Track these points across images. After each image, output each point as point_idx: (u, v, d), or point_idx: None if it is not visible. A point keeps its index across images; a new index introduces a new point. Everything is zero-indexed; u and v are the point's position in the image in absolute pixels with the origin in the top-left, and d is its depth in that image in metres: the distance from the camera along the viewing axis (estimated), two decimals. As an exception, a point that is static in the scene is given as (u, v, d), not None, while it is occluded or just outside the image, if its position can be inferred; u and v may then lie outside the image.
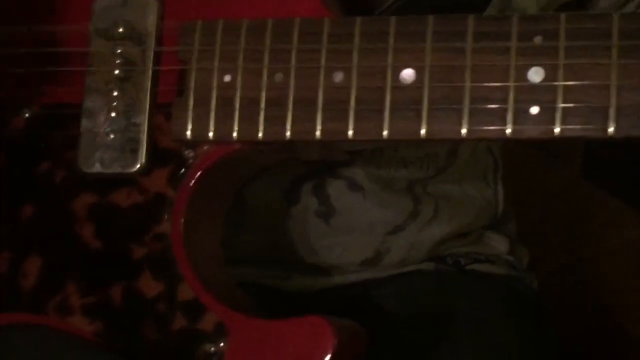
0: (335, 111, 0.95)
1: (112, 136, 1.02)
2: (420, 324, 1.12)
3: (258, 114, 0.97)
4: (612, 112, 0.88)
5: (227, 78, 0.98)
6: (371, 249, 1.15)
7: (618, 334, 1.37)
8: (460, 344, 1.11)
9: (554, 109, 0.89)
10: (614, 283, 1.40)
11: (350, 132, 0.94)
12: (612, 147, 1.59)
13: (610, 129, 0.88)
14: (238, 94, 0.97)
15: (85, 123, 1.02)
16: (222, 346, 0.97)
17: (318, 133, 0.95)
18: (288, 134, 0.96)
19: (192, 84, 0.99)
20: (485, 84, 0.91)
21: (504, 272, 1.21)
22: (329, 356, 0.94)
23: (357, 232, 1.14)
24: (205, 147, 0.99)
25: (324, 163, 1.12)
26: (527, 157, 1.56)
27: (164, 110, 1.00)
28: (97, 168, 1.02)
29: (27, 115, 1.05)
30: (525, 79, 0.90)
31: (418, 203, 1.15)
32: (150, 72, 1.01)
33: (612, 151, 1.60)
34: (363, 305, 1.15)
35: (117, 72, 1.01)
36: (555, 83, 0.89)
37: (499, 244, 1.22)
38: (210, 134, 0.98)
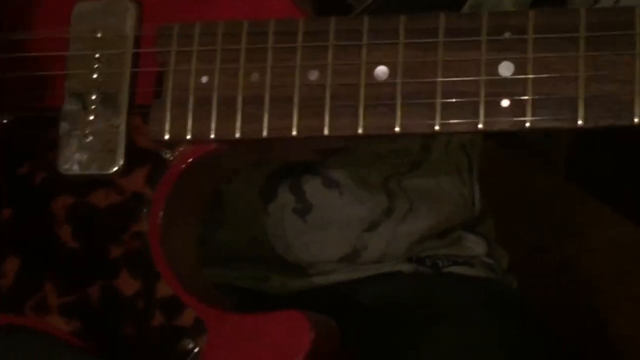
0: (311, 108, 0.96)
1: (90, 138, 1.02)
2: (400, 326, 1.13)
3: (235, 113, 0.98)
4: (580, 103, 0.90)
5: (205, 79, 0.99)
6: (348, 245, 1.16)
7: (606, 332, 1.38)
8: (442, 347, 1.12)
9: (524, 102, 0.91)
10: (598, 281, 1.42)
11: (326, 129, 0.96)
12: (593, 148, 1.63)
13: (580, 120, 0.91)
14: (215, 94, 0.99)
15: (64, 126, 1.03)
16: (201, 342, 0.98)
17: (294, 130, 0.97)
18: (265, 132, 0.97)
19: (170, 85, 1.00)
20: (457, 79, 0.93)
21: (482, 274, 1.21)
22: (306, 350, 0.95)
23: (334, 228, 1.15)
24: (183, 148, 1.01)
25: (299, 164, 1.13)
26: (510, 159, 1.58)
27: (142, 112, 1.01)
28: (75, 170, 1.03)
29: (4, 120, 1.06)
30: (496, 73, 0.92)
31: (393, 199, 1.16)
32: (128, 74, 1.02)
33: (594, 152, 1.62)
34: (342, 307, 1.15)
35: (95, 75, 1.03)
36: (525, 76, 0.92)
37: (477, 245, 1.23)
38: (188, 134, 0.99)
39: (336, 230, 1.16)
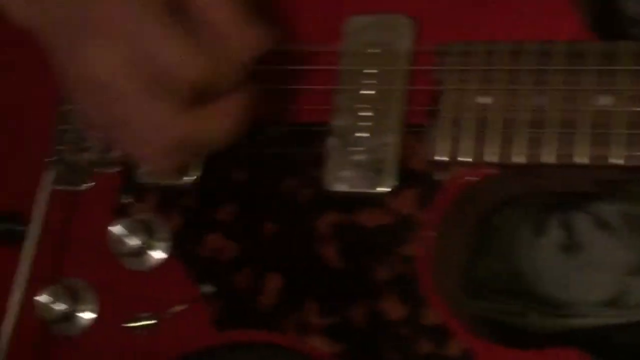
0: (600, 136, 0.90)
1: (360, 155, 0.99)
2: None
3: (517, 137, 0.92)
4: None
5: (486, 100, 0.94)
6: (613, 288, 1.09)
7: None
8: None
9: None
10: None
11: (615, 158, 0.89)
12: None
13: None
14: (495, 117, 0.93)
15: (332, 142, 0.99)
16: (469, 374, 0.93)
17: (582, 157, 0.90)
18: (549, 157, 0.91)
19: (447, 105, 0.95)
20: None
21: None
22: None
23: (599, 270, 1.08)
24: (457, 170, 0.96)
25: (573, 195, 1.07)
26: None
27: (415, 131, 0.97)
28: (343, 187, 0.99)
29: (275, 133, 1.03)
30: None
31: None
32: (403, 92, 0.98)
33: None
34: (601, 352, 1.09)
35: (368, 91, 0.99)
36: None
37: None
38: (465, 157, 0.94)
39: (602, 273, 1.08)
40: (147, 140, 0.95)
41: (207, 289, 1.03)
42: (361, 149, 0.98)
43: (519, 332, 1.11)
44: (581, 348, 1.05)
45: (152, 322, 1.04)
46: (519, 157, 0.92)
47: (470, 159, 0.93)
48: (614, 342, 1.10)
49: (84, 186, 1.10)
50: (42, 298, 1.07)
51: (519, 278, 1.09)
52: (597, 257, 1.08)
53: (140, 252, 1.05)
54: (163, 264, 1.05)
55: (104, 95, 0.93)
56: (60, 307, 1.07)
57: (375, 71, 0.98)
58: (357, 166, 0.98)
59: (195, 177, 1.04)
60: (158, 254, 1.05)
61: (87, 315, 1.07)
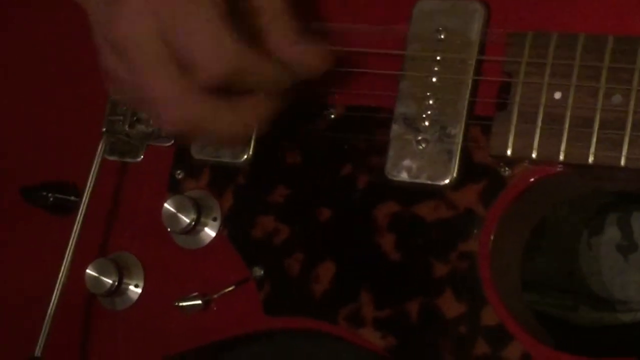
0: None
1: (423, 145, 0.92)
2: None
3: (590, 136, 0.86)
4: None
5: (558, 95, 0.87)
6: None
7: None
8: None
9: None
10: None
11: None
12: None
13: None
14: (569, 113, 0.87)
15: (396, 129, 0.93)
16: (527, 379, 0.88)
17: (661, 164, 0.84)
18: (623, 160, 0.85)
19: (517, 98, 0.88)
20: None
21: None
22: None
23: None
24: (523, 166, 0.89)
25: (631, 194, 1.00)
26: None
27: (482, 123, 0.91)
28: (404, 177, 0.93)
29: (332, 116, 0.97)
30: None
31: None
32: (471, 82, 0.91)
33: None
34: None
35: (434, 79, 0.92)
36: None
37: None
38: (534, 153, 0.87)
39: None
40: (157, 111, 0.90)
41: (257, 272, 0.98)
42: (425, 138, 0.92)
43: (571, 327, 1.06)
44: (628, 342, 1.00)
45: (199, 302, 0.99)
46: (591, 158, 0.86)
47: (539, 157, 0.87)
48: None
49: (137, 158, 1.05)
50: (90, 271, 1.03)
51: (574, 276, 1.03)
52: None
53: (191, 229, 1.00)
54: (213, 243, 1.00)
55: (125, 57, 0.88)
56: (107, 280, 1.02)
57: (443, 58, 0.92)
58: (420, 156, 0.92)
59: (247, 156, 0.99)
60: (209, 233, 1.00)
61: (134, 290, 1.03)
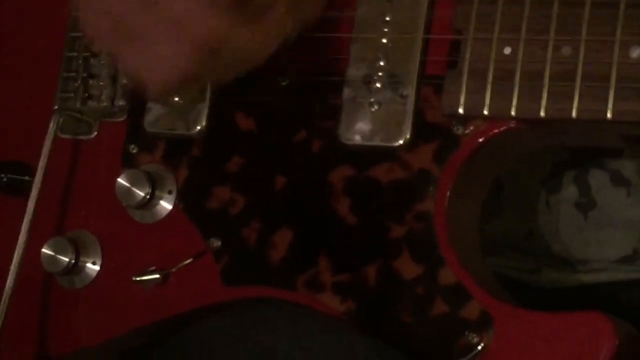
0: (631, 90, 0.81)
1: (375, 107, 0.89)
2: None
3: (541, 90, 0.83)
4: None
5: (508, 50, 0.84)
6: (629, 246, 1.00)
7: None
8: None
9: None
10: None
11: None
12: None
13: None
14: (519, 68, 0.84)
15: (348, 92, 0.90)
16: (487, 337, 0.84)
17: (609, 113, 0.82)
18: (574, 112, 0.82)
19: (467, 55, 0.85)
20: None
21: None
22: (610, 356, 0.81)
23: (615, 228, 0.99)
24: (476, 124, 0.86)
25: (587, 151, 0.98)
26: None
27: (434, 82, 0.88)
28: (357, 140, 0.90)
29: (284, 83, 0.94)
30: None
31: None
32: (420, 40, 0.89)
33: None
34: (611, 308, 1.01)
35: (384, 40, 0.89)
36: None
37: None
38: (486, 110, 0.85)
39: (617, 231, 0.99)
40: (171, 37, 0.82)
41: (214, 243, 0.95)
42: (377, 100, 0.89)
43: (533, 289, 1.03)
44: (593, 304, 0.98)
45: (157, 276, 0.96)
46: (542, 112, 0.83)
47: (491, 113, 0.84)
48: (624, 296, 1.02)
49: (91, 136, 1.02)
50: (46, 250, 0.99)
51: (533, 236, 1.01)
52: (612, 215, 0.99)
53: (147, 204, 0.96)
54: (170, 216, 0.96)
55: None
56: (64, 258, 0.99)
57: (392, 18, 0.89)
58: (372, 119, 0.89)
59: (200, 127, 0.96)
60: (165, 206, 0.96)
61: (92, 268, 1.00)
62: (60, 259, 0.99)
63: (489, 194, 0.96)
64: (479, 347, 0.84)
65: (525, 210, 1.00)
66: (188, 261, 0.95)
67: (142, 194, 0.96)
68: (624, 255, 1.01)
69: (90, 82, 1.01)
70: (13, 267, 0.99)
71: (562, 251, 1.01)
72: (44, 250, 0.99)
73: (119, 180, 0.97)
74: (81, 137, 1.02)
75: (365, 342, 0.87)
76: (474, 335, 0.84)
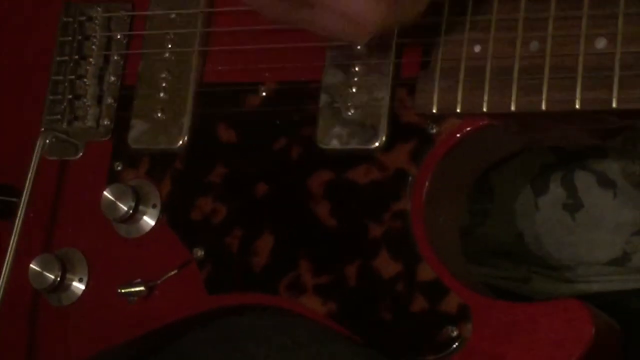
0: (599, 79, 0.82)
1: (352, 111, 0.91)
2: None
3: (511, 85, 0.85)
4: None
5: (477, 48, 0.86)
6: (618, 248, 1.00)
7: None
8: None
9: None
10: None
11: (614, 101, 0.82)
12: None
13: None
14: (489, 64, 0.86)
15: (324, 98, 0.92)
16: (466, 330, 0.84)
17: (578, 103, 0.83)
18: (544, 104, 0.84)
19: (439, 56, 0.88)
20: None
21: None
22: (587, 342, 0.80)
23: (603, 229, 1.00)
24: (450, 122, 0.88)
25: (572, 152, 0.99)
26: None
27: (408, 84, 0.89)
28: (334, 144, 0.91)
29: (263, 93, 0.95)
30: None
31: None
32: (394, 44, 0.90)
33: None
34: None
35: (359, 46, 0.92)
36: None
37: None
38: (458, 107, 0.86)
39: (605, 232, 1.00)
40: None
41: (198, 252, 0.95)
42: (353, 104, 0.91)
43: (525, 299, 1.03)
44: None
45: (142, 288, 0.96)
46: (513, 106, 0.84)
47: (464, 110, 0.86)
48: (619, 306, 1.02)
49: (76, 156, 1.03)
50: (34, 266, 1.00)
51: (520, 240, 1.01)
52: (600, 216, 1.00)
53: (131, 218, 0.97)
54: (154, 230, 0.97)
55: None
56: (50, 275, 0.99)
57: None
58: (349, 122, 0.91)
59: (182, 141, 0.97)
60: (148, 221, 0.97)
61: (78, 285, 1.00)
62: (47, 275, 0.99)
63: (478, 197, 0.98)
64: (458, 340, 0.84)
65: (514, 213, 1.01)
66: (172, 272, 0.96)
67: (125, 207, 0.97)
68: (614, 257, 1.01)
69: (76, 103, 1.03)
70: (0, 285, 1.00)
71: (552, 253, 1.02)
72: (31, 266, 0.99)
73: (104, 193, 0.97)
74: (67, 157, 1.03)
75: (352, 351, 0.88)
76: (453, 329, 0.84)
